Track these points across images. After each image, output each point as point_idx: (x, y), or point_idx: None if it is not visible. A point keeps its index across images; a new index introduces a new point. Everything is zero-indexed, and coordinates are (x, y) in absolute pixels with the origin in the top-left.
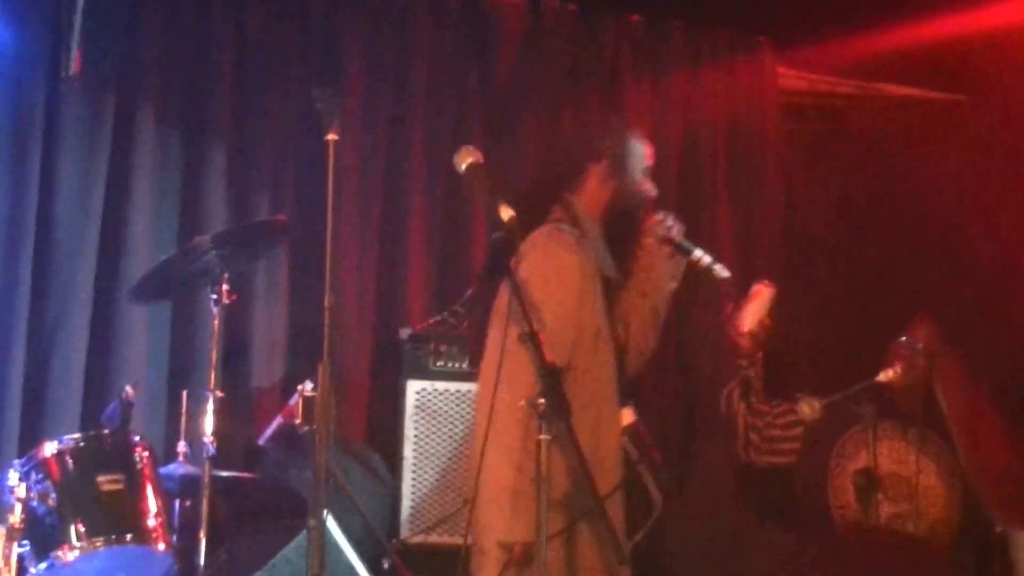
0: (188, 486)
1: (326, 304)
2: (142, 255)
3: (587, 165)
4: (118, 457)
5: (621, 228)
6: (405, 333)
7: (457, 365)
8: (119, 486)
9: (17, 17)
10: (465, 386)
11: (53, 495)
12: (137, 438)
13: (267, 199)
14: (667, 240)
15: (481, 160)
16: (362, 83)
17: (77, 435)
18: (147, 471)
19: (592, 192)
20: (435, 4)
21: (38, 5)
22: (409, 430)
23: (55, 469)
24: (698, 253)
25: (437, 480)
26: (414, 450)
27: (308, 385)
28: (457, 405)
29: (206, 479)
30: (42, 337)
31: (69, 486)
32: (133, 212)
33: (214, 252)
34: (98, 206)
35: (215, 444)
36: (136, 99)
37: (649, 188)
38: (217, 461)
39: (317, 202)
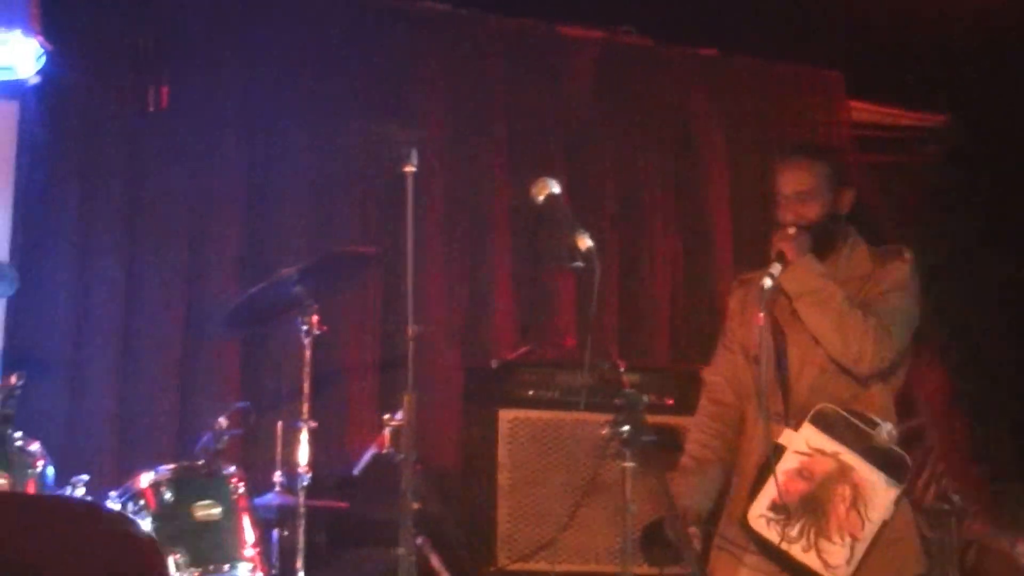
0: (284, 516)
1: (409, 334)
2: (230, 286)
3: None
4: (214, 487)
5: None
6: (496, 362)
7: (548, 394)
8: (215, 516)
9: (102, 53)
10: (557, 414)
11: (150, 525)
12: (232, 468)
13: (355, 229)
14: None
15: (558, 190)
16: (442, 113)
17: (173, 465)
18: (242, 501)
19: None
20: (512, 36)
21: (124, 41)
22: (503, 458)
23: (151, 500)
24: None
25: (532, 507)
26: (508, 478)
27: (396, 415)
28: (549, 433)
29: (302, 509)
30: (135, 369)
31: (166, 516)
32: (219, 242)
33: (302, 283)
34: (184, 238)
35: (310, 474)
36: (219, 133)
37: (780, 214)
38: (313, 491)
39: (404, 232)
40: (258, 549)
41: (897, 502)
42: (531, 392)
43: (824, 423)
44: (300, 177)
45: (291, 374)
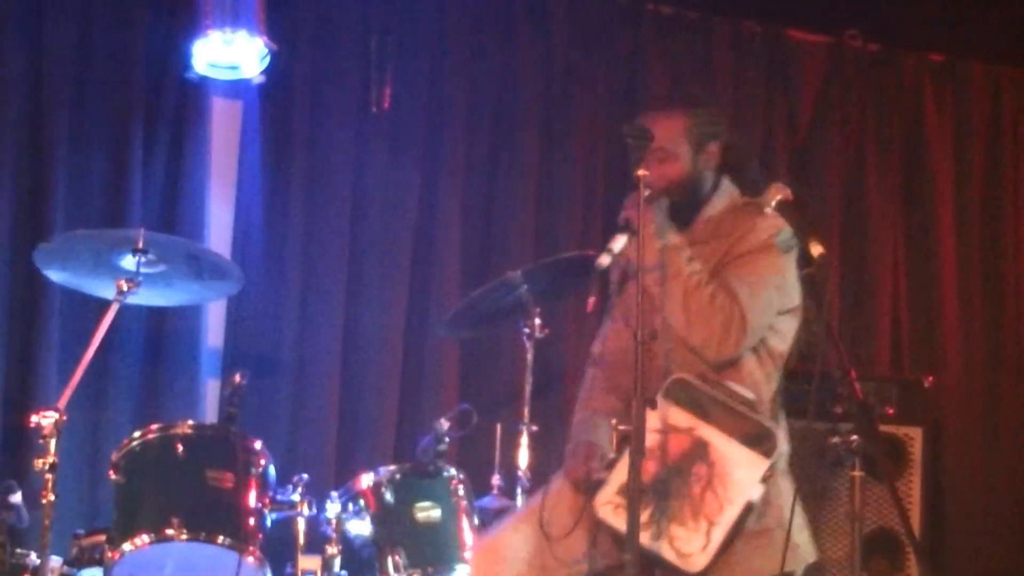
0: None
1: (639, 338)
2: (451, 288)
3: None
4: (434, 489)
5: None
6: None
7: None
8: (436, 518)
9: (326, 53)
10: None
11: (370, 526)
12: (453, 470)
13: (575, 233)
14: None
15: (791, 196)
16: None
17: (393, 467)
18: (463, 503)
19: None
20: (737, 40)
21: (348, 42)
22: None
23: (372, 500)
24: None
25: None
26: None
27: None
28: None
29: None
30: (356, 370)
31: (386, 517)
32: (442, 245)
33: (526, 286)
34: (407, 240)
35: (529, 477)
36: (442, 135)
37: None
38: (531, 494)
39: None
40: None
41: (766, 480)
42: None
43: (680, 396)
44: (524, 179)
45: (511, 377)
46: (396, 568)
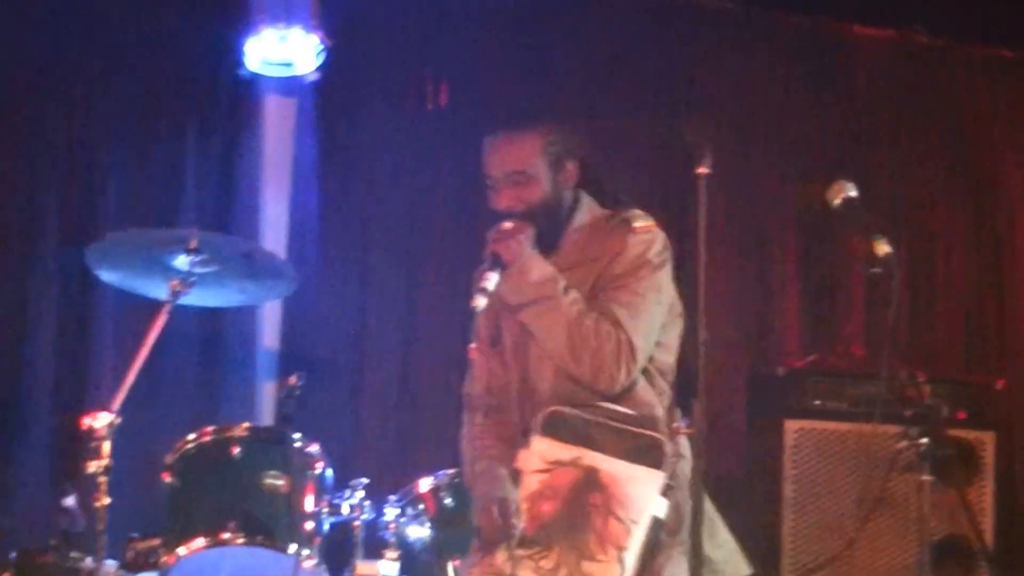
0: None
1: (700, 340)
2: None
3: None
4: None
5: None
6: (782, 371)
7: (836, 404)
8: None
9: (381, 49)
10: (845, 425)
11: (429, 531)
12: None
13: None
14: None
15: (856, 194)
16: (727, 113)
17: (452, 471)
18: None
19: None
20: (801, 34)
21: (403, 37)
22: (788, 469)
23: (431, 505)
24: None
25: (818, 521)
26: (794, 489)
27: (682, 422)
28: (837, 444)
29: None
30: (415, 372)
31: (445, 522)
32: None
33: None
34: (466, 237)
35: None
36: (500, 128)
37: (494, 201)
38: None
39: (691, 236)
40: None
41: (667, 492)
42: (818, 402)
43: (557, 429)
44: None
45: None
46: (455, 573)
